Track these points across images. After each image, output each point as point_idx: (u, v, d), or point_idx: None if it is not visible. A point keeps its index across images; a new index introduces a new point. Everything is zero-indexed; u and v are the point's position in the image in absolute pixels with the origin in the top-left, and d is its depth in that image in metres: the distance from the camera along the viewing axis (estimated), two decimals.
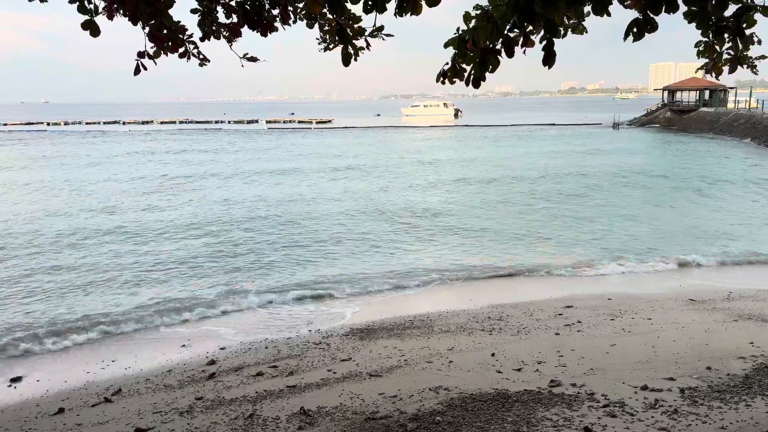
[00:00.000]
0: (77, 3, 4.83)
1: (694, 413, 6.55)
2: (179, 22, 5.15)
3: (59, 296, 13.76)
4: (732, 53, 4.83)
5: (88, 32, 4.91)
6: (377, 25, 5.11)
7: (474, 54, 4.58)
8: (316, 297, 13.58)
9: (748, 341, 9.25)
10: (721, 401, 6.87)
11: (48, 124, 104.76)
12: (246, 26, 5.24)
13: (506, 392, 7.44)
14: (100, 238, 19.76)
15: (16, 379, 9.53)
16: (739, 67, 4.99)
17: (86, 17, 4.82)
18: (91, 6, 4.84)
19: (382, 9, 4.68)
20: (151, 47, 5.13)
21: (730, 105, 69.57)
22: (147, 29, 4.99)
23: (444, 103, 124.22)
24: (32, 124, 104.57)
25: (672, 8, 4.17)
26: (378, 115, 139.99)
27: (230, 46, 5.49)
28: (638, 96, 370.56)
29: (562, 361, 8.72)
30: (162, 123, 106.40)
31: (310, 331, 11.29)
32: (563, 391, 7.43)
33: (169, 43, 5.14)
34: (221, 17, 5.33)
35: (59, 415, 7.84)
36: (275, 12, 5.28)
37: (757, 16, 4.35)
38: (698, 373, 7.92)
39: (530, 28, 4.41)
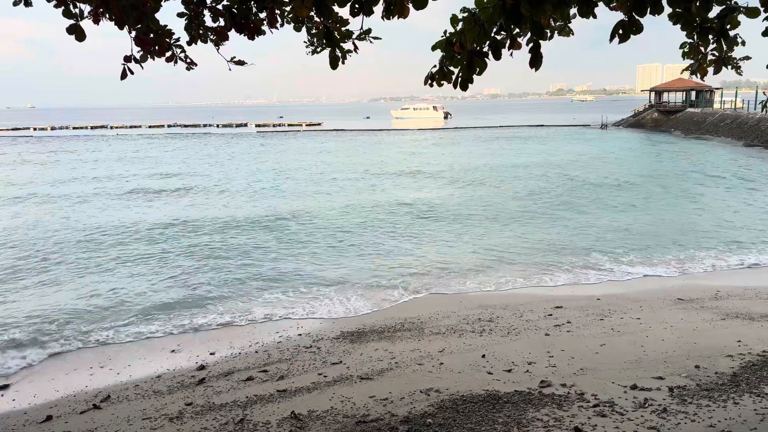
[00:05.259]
0: (62, 7, 4.79)
1: (683, 412, 6.60)
2: (166, 26, 5.12)
3: (45, 303, 13.63)
4: (717, 54, 4.88)
5: (73, 37, 4.88)
6: (364, 28, 5.12)
7: (461, 57, 4.59)
8: (307, 301, 13.54)
9: (735, 340, 9.33)
10: (709, 399, 6.93)
11: (34, 129, 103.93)
12: (233, 30, 5.23)
13: (497, 393, 7.45)
14: (84, 244, 19.62)
15: (3, 387, 9.42)
16: (723, 67, 5.04)
17: (71, 21, 4.79)
18: (77, 10, 4.81)
19: (369, 12, 4.69)
20: (138, 51, 5.10)
21: (716, 105, 70.21)
22: (133, 33, 4.96)
23: (434, 107, 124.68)
24: (18, 129, 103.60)
25: (657, 10, 4.21)
26: (368, 117, 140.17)
27: (217, 49, 5.47)
28: (596, 98, 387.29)
29: (552, 361, 8.75)
30: (150, 127, 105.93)
31: (300, 335, 11.25)
32: (553, 392, 7.46)
33: (156, 47, 5.11)
34: (208, 21, 5.31)
35: (47, 423, 7.77)
36: (262, 15, 5.27)
37: (741, 17, 4.39)
38: (687, 372, 7.98)
39: (517, 30, 4.43)
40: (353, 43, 5.24)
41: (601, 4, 4.51)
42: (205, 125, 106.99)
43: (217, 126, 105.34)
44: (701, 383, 7.51)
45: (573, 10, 4.62)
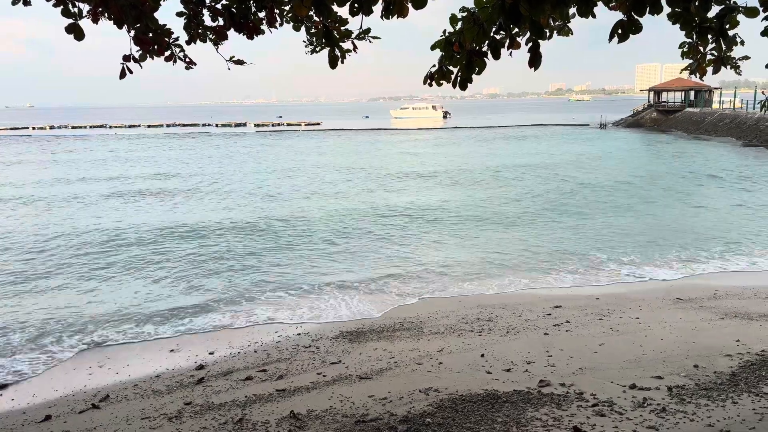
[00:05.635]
0: (61, 7, 4.79)
1: (682, 411, 6.60)
2: (165, 25, 5.12)
3: (43, 304, 13.62)
4: (716, 54, 4.88)
5: (72, 36, 4.87)
6: (364, 27, 5.11)
7: (460, 56, 4.59)
8: (304, 300, 13.53)
9: (734, 339, 9.34)
10: (708, 399, 6.93)
11: (33, 128, 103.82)
12: (232, 29, 5.22)
13: (496, 393, 7.45)
14: (81, 246, 19.61)
15: (2, 387, 9.41)
16: (723, 67, 5.04)
17: (70, 21, 4.79)
18: (75, 9, 4.80)
19: (368, 11, 4.69)
20: (137, 51, 5.10)
21: (715, 105, 70.30)
22: (132, 33, 4.96)
23: (433, 106, 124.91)
24: (17, 129, 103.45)
25: (656, 9, 4.21)
26: (367, 117, 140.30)
27: (216, 49, 5.47)
28: (593, 98, 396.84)
29: (551, 361, 8.75)
30: (149, 126, 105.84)
31: (299, 334, 11.25)
32: (552, 391, 7.46)
33: (155, 47, 5.11)
34: (207, 20, 5.30)
35: (46, 422, 7.76)
36: (261, 15, 5.27)
37: (740, 17, 4.40)
38: (686, 372, 7.98)
39: (516, 30, 4.43)
40: (352, 43, 5.25)
41: (600, 3, 4.51)
42: (204, 125, 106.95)
43: (216, 125, 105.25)
44: (700, 383, 7.51)
45: (572, 10, 4.62)
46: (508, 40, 4.47)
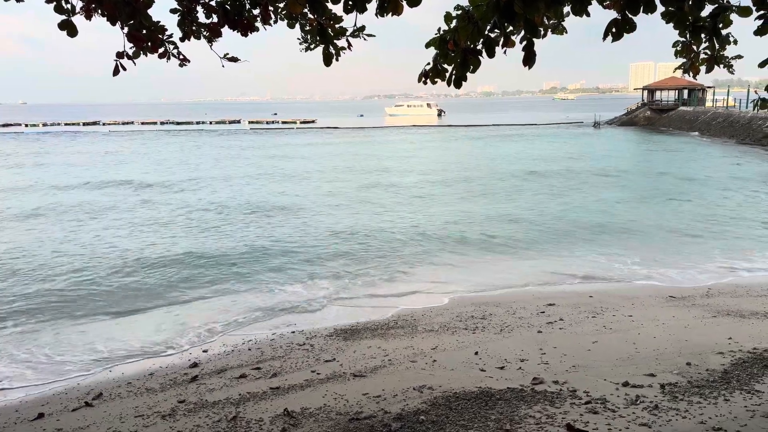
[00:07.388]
0: (54, 3, 4.76)
1: (674, 408, 6.63)
2: (159, 22, 5.10)
3: (34, 303, 13.57)
4: (709, 53, 4.91)
5: (65, 33, 4.85)
6: (358, 25, 5.11)
7: (455, 54, 4.60)
8: (301, 298, 13.52)
9: (726, 337, 9.38)
10: (700, 396, 6.96)
11: (26, 125, 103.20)
12: (226, 26, 5.21)
13: (490, 390, 7.46)
14: (82, 245, 19.54)
15: None
16: (716, 66, 5.07)
17: (63, 17, 4.77)
18: (68, 6, 4.78)
19: (362, 9, 4.69)
20: (130, 47, 5.08)
21: (709, 104, 70.58)
22: (126, 29, 4.94)
23: (427, 104, 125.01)
24: (9, 125, 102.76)
25: (650, 8, 4.23)
26: (361, 115, 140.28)
27: (210, 46, 5.45)
28: (577, 97, 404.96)
29: (545, 358, 8.77)
30: (143, 124, 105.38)
31: (293, 332, 11.24)
32: (546, 389, 7.47)
33: (149, 44, 5.10)
34: (201, 17, 5.29)
35: (39, 421, 7.73)
36: (256, 12, 5.26)
37: (733, 16, 4.43)
38: (678, 369, 8.01)
39: (510, 28, 4.44)
40: (347, 40, 5.24)
41: (594, 2, 4.53)
42: (198, 122, 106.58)
43: (210, 123, 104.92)
44: (692, 380, 7.54)
45: (566, 9, 4.63)
46: (502, 39, 4.48)
